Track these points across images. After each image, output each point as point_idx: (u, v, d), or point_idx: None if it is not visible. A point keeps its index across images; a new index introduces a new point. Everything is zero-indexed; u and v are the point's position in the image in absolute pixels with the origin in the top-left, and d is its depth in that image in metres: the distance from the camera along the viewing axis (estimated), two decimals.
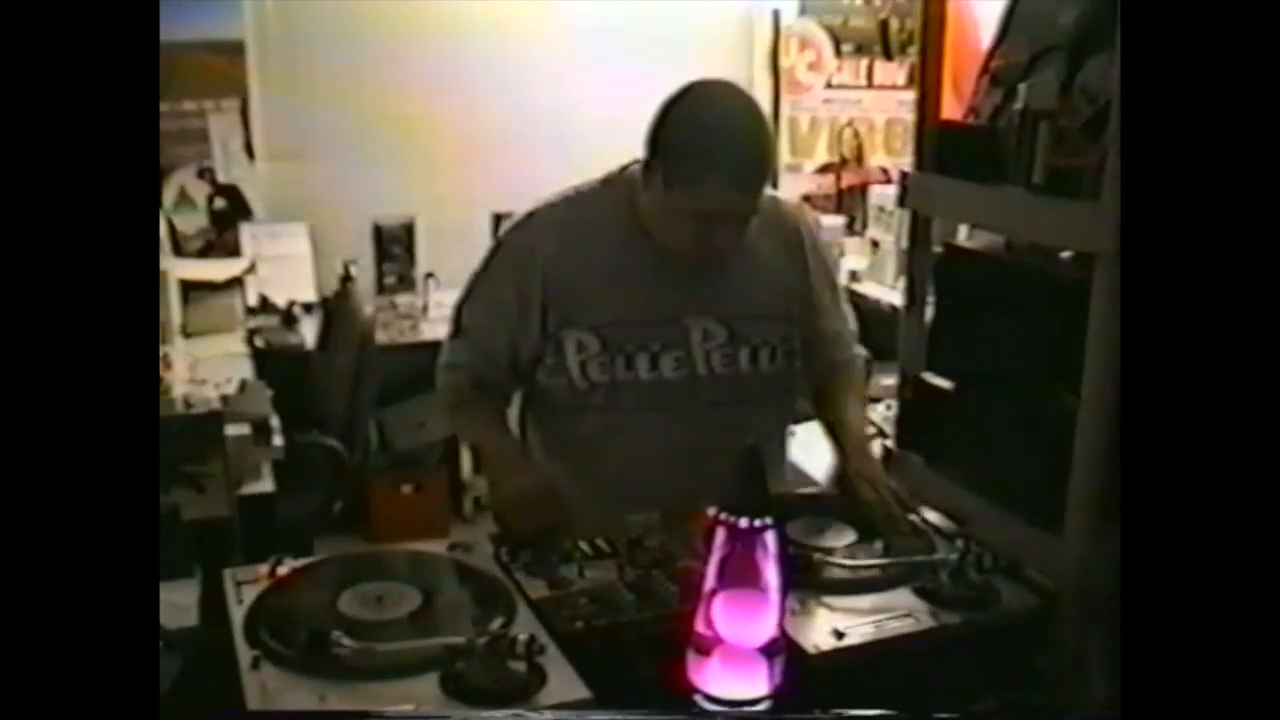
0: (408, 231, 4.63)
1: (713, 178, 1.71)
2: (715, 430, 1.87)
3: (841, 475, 1.88)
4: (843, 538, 1.66)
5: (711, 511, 1.69)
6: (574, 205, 1.92)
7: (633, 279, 1.86)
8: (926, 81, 1.82)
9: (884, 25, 5.17)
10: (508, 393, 1.98)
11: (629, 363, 1.86)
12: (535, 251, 1.87)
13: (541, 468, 1.90)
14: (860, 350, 2.12)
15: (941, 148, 1.76)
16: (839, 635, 1.39)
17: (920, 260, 1.86)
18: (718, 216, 1.75)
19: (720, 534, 1.24)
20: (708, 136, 1.73)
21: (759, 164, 1.77)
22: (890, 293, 4.33)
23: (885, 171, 5.34)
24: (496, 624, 1.38)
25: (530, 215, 1.93)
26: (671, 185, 1.74)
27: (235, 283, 4.32)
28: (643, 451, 1.87)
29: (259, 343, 4.09)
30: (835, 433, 1.97)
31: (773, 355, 1.92)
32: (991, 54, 1.82)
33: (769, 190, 1.86)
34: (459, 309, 1.99)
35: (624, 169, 1.92)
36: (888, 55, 5.24)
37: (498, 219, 3.93)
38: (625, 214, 1.86)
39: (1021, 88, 1.60)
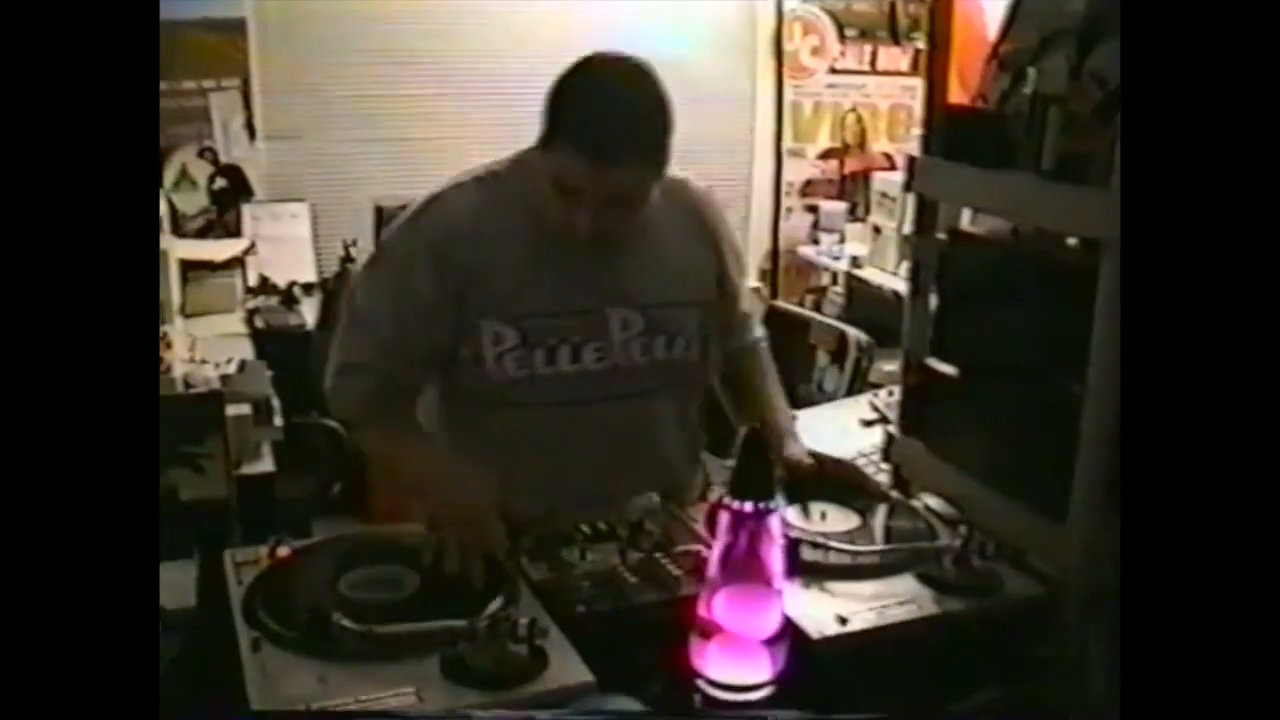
0: None
1: (593, 157, 1.63)
2: (632, 421, 1.85)
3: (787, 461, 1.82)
4: (844, 523, 1.65)
5: (715, 495, 1.70)
6: (484, 186, 1.81)
7: (549, 266, 1.77)
8: (935, 65, 1.80)
9: (892, 9, 5.16)
10: (416, 394, 1.85)
11: (550, 356, 1.77)
12: (450, 235, 1.76)
13: (483, 479, 1.69)
14: (761, 332, 2.09)
15: (949, 132, 1.75)
16: (842, 621, 1.39)
17: (925, 246, 1.85)
18: (605, 196, 1.66)
19: (724, 518, 1.23)
20: (575, 105, 1.65)
21: (627, 140, 1.65)
22: (892, 279, 4.33)
23: (888, 157, 5.34)
24: (497, 607, 1.37)
25: (439, 197, 1.82)
26: (554, 163, 1.66)
27: (235, 263, 4.30)
28: (564, 446, 1.80)
29: (259, 323, 4.08)
30: (766, 420, 1.93)
31: (688, 344, 1.86)
32: (1000, 39, 1.80)
33: (680, 174, 1.81)
34: (355, 299, 1.84)
35: (535, 147, 1.79)
36: (895, 39, 5.23)
37: None
38: (536, 195, 1.75)
39: (1030, 72, 1.58)
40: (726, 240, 1.95)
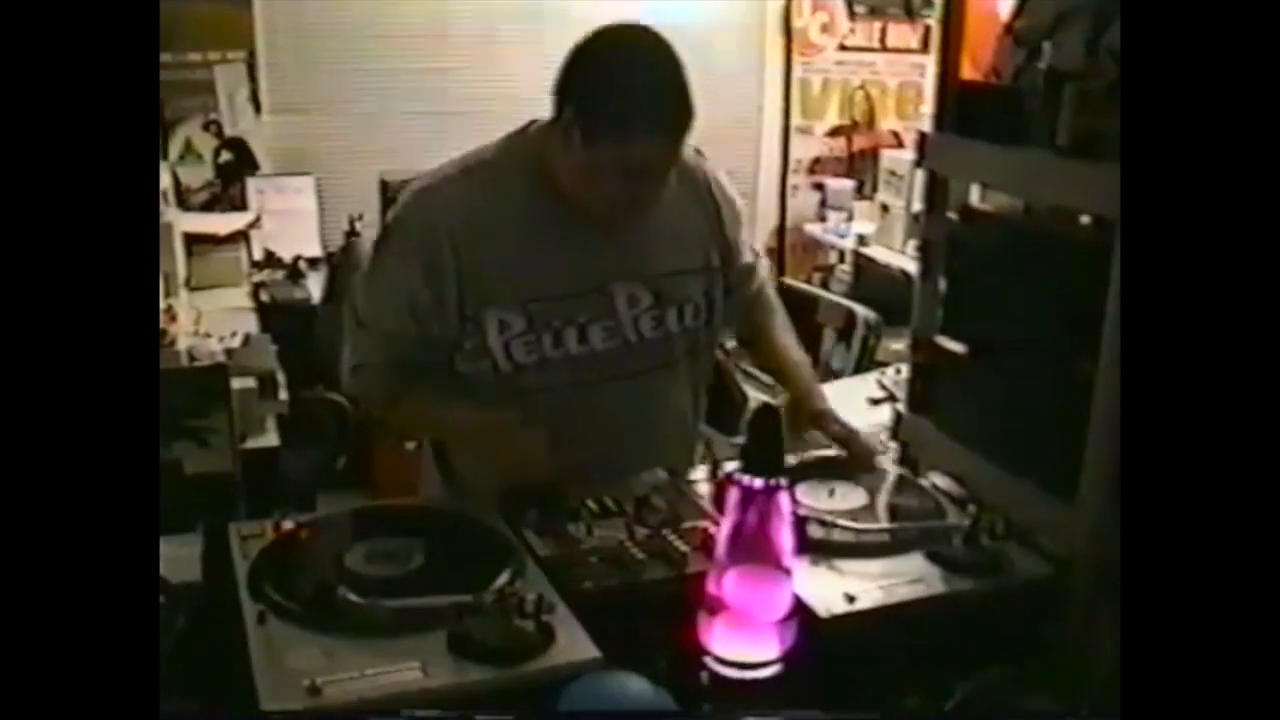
0: None
1: (640, 130, 1.63)
2: (650, 395, 1.84)
3: (797, 415, 1.88)
4: (853, 501, 1.64)
5: (724, 471, 1.69)
6: (475, 174, 1.78)
7: (550, 247, 1.76)
8: (948, 39, 1.78)
9: None
10: (435, 370, 1.81)
11: (557, 339, 1.76)
12: (441, 227, 1.73)
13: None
14: (764, 274, 2.09)
15: (962, 108, 1.73)
16: (850, 599, 1.38)
17: (936, 223, 1.83)
18: (645, 170, 1.68)
19: (733, 494, 1.22)
20: (629, 86, 1.64)
21: (684, 109, 1.66)
22: (899, 257, 4.32)
23: (896, 135, 5.32)
24: (504, 581, 1.37)
25: (427, 188, 1.79)
26: (593, 141, 1.64)
27: (240, 236, 4.30)
28: (577, 429, 1.75)
29: (264, 297, 4.09)
30: (785, 373, 1.98)
31: (697, 312, 1.87)
32: (1015, 14, 1.78)
33: None
34: (356, 305, 1.83)
35: (524, 129, 1.81)
36: (910, 14, 5.20)
37: None
38: (532, 178, 1.75)
39: (1046, 47, 1.56)
40: (721, 196, 1.93)
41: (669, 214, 1.82)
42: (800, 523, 1.46)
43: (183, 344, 3.18)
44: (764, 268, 2.10)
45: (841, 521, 1.55)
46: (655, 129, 1.65)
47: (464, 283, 1.72)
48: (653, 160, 1.68)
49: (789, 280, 4.50)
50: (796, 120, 5.28)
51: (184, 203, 4.43)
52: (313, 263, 4.38)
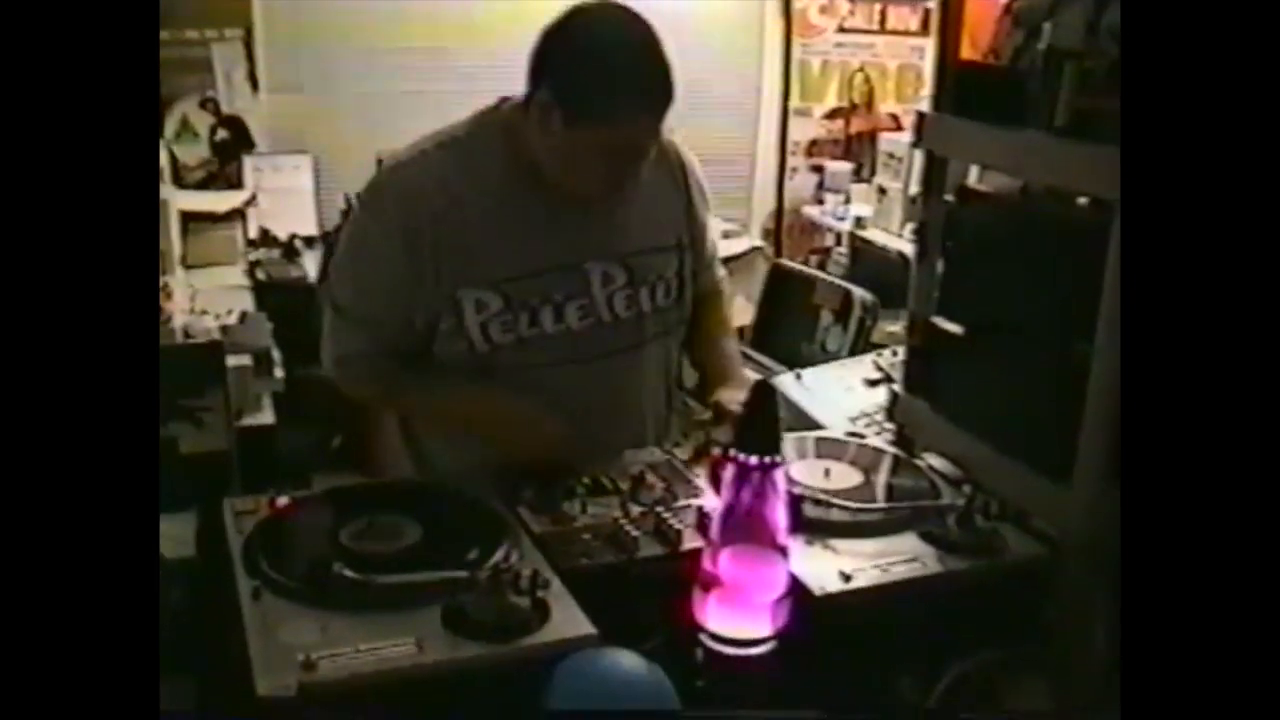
0: None
1: (625, 111, 1.63)
2: (623, 374, 1.85)
3: (720, 405, 1.84)
4: (848, 480, 1.64)
5: (718, 450, 1.69)
6: (450, 152, 1.77)
7: (526, 227, 1.75)
8: (948, 19, 1.77)
9: None
10: (424, 350, 1.80)
11: (533, 318, 1.75)
12: (419, 203, 1.71)
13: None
14: (723, 271, 2.10)
15: (961, 88, 1.72)
16: (846, 578, 1.38)
17: (933, 204, 1.82)
18: (628, 150, 1.68)
19: (729, 471, 1.22)
20: (613, 67, 1.63)
21: (667, 87, 1.65)
22: (896, 240, 4.31)
23: (895, 118, 5.31)
24: (499, 558, 1.37)
25: (402, 164, 1.79)
26: (576, 123, 1.63)
27: (237, 214, 4.29)
28: (554, 406, 1.75)
29: (260, 275, 4.08)
30: (715, 362, 1.97)
31: (668, 290, 1.87)
32: None
33: None
34: (334, 290, 1.81)
35: (497, 106, 1.81)
36: None
37: None
38: (505, 155, 1.74)
39: (1045, 27, 1.56)
40: (693, 176, 1.94)
41: (643, 193, 1.81)
42: (795, 501, 1.47)
43: (178, 321, 3.18)
44: (722, 268, 2.11)
45: (837, 500, 1.55)
46: (641, 109, 1.65)
47: (441, 261, 1.71)
48: (637, 141, 1.68)
49: (786, 261, 4.49)
50: (795, 102, 5.27)
51: (180, 180, 4.42)
52: (309, 241, 4.37)
